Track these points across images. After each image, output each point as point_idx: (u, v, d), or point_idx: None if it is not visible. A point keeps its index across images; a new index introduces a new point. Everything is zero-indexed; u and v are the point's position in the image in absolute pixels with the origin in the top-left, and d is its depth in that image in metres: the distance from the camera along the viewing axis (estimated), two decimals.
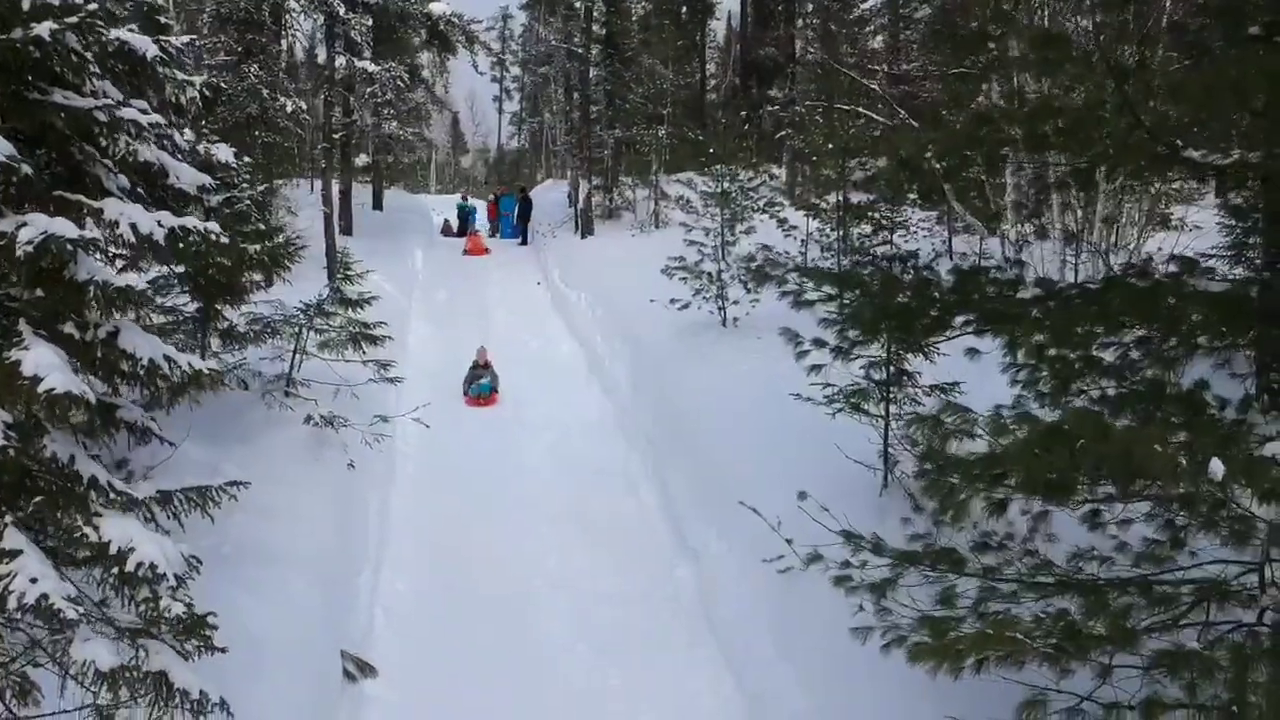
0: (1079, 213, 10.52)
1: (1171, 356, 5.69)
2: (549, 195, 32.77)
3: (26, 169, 4.76)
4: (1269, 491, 4.76)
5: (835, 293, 7.60)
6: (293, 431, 12.00)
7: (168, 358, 5.37)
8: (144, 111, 5.75)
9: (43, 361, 4.50)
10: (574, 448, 14.55)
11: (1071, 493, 5.11)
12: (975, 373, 9.69)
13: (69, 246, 4.60)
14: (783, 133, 26.42)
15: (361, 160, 24.64)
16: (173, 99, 10.50)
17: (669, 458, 13.55)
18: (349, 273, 12.50)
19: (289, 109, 18.52)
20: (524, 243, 28.01)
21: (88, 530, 4.76)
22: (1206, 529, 5.81)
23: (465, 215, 30.24)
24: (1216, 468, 4.22)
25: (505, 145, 51.16)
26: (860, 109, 15.50)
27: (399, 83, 20.50)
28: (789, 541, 9.66)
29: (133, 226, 5.09)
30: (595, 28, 25.64)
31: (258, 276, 11.05)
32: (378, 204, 28.04)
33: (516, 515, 12.59)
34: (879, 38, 29.73)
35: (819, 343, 8.48)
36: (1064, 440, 4.54)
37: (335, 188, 21.01)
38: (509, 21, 47.20)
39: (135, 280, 4.96)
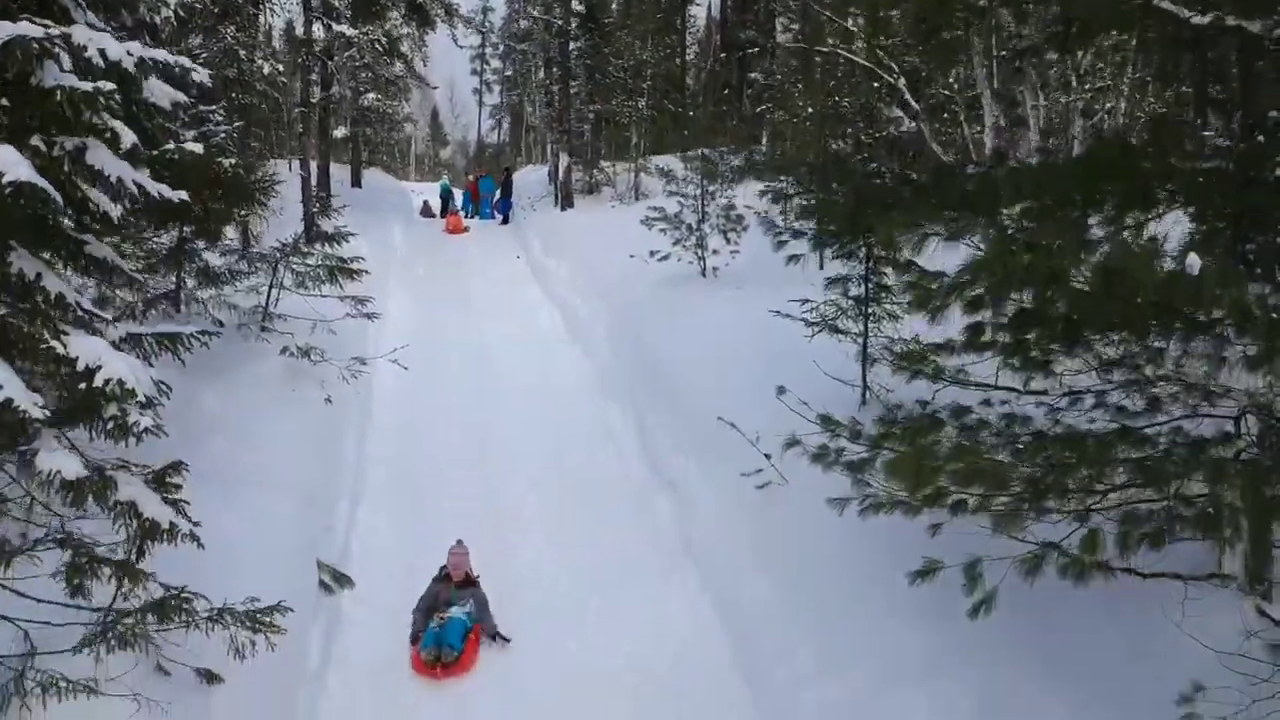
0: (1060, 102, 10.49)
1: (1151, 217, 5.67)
2: (530, 177, 32.78)
3: None
4: (1245, 315, 4.76)
5: (814, 185, 7.58)
6: (270, 364, 11.96)
7: (137, 183, 5.29)
8: None
9: (7, 159, 4.39)
10: (553, 403, 14.45)
11: (1047, 314, 5.06)
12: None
13: (35, 46, 4.52)
14: (763, 107, 26.48)
15: (340, 133, 24.52)
16: (147, 19, 10.41)
17: (649, 405, 13.51)
18: (327, 208, 12.42)
19: (265, 70, 18.39)
20: (505, 222, 27.97)
21: (54, 344, 4.67)
22: (1181, 382, 5.84)
23: (446, 197, 30.20)
24: (1194, 262, 4.20)
25: (485, 138, 51.20)
26: (840, 48, 15.46)
27: (377, 46, 20.41)
28: (767, 456, 9.72)
29: (101, 52, 5.01)
30: (575, 3, 25.68)
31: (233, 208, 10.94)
32: (356, 181, 27.93)
33: (494, 462, 12.53)
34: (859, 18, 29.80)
35: (797, 234, 8.47)
36: (1040, 250, 4.52)
37: (313, 166, 20.89)
38: (489, 15, 47.46)
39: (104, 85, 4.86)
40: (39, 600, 4.92)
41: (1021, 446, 5.29)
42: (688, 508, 10.93)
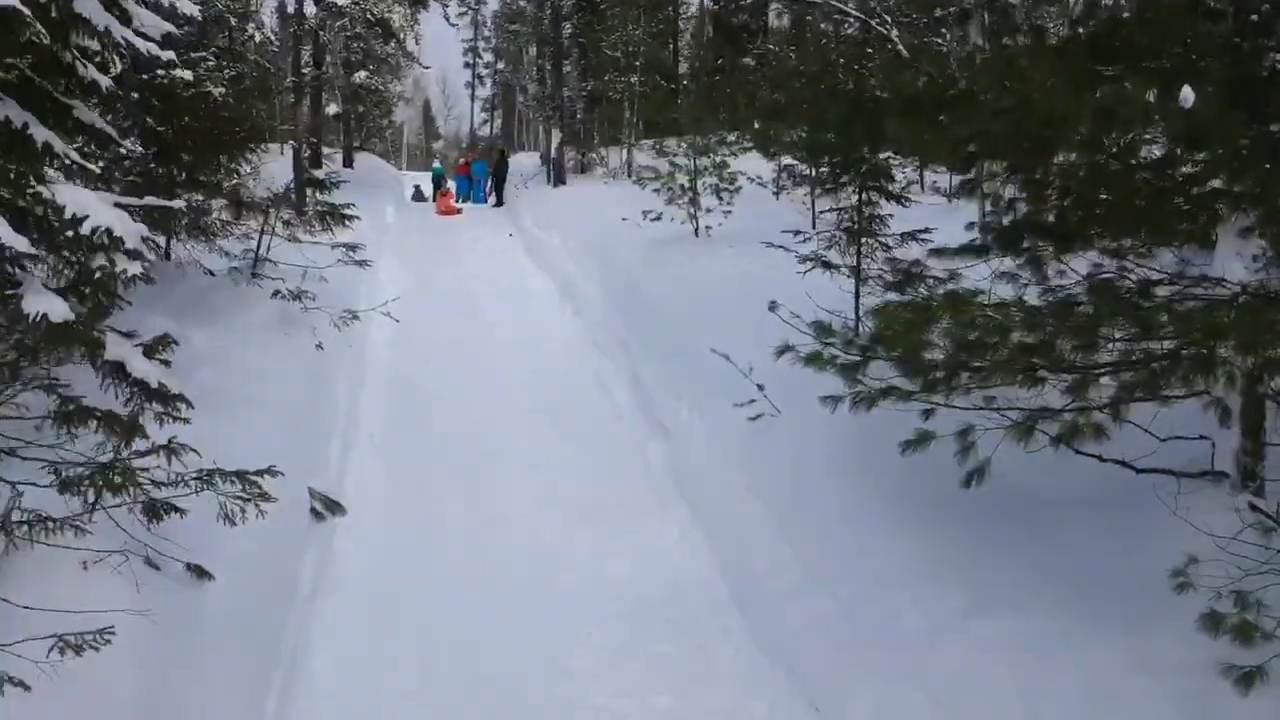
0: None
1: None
2: (523, 162, 32.81)
3: None
4: (1238, 151, 4.72)
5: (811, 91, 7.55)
6: (261, 309, 11.91)
7: (124, 38, 5.24)
8: None
9: None
10: (546, 358, 14.44)
11: (1044, 156, 4.98)
12: (946, 221, 9.79)
13: None
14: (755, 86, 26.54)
15: (333, 110, 24.48)
16: None
17: (641, 354, 13.54)
18: (319, 157, 12.38)
19: (257, 39, 18.36)
20: (499, 204, 27.94)
21: (42, 189, 4.62)
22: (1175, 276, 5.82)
23: (438, 181, 30.14)
24: (1187, 96, 4.17)
25: (477, 130, 51.15)
26: (835, 1, 15.43)
27: (369, 16, 20.41)
28: (760, 387, 9.74)
29: None
30: None
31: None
32: (348, 162, 27.85)
33: (488, 409, 12.47)
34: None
35: (793, 144, 8.45)
36: (1037, 96, 4.47)
37: (305, 150, 20.86)
38: (481, 8, 47.45)
39: None
40: (25, 458, 4.88)
41: (1015, 311, 5.26)
42: (681, 446, 10.94)
